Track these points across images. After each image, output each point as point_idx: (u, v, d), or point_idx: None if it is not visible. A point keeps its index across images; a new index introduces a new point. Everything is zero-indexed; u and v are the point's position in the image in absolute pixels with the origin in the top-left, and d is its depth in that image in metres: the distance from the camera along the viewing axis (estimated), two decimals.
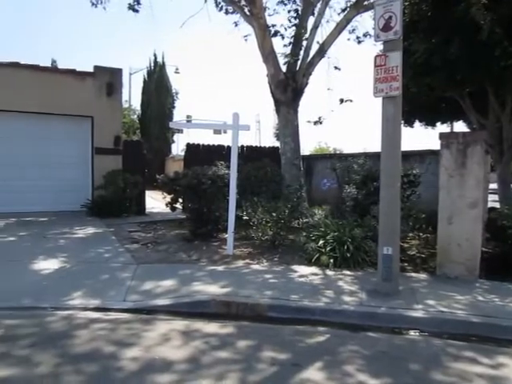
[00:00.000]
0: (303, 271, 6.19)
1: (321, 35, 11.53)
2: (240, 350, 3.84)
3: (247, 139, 72.69)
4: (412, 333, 4.42)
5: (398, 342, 4.19)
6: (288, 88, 10.65)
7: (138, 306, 4.87)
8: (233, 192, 7.35)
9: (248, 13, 10.65)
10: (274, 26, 11.34)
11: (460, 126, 13.83)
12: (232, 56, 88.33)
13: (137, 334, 4.09)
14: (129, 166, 11.71)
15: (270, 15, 11.83)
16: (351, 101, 11.15)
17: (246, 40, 12.07)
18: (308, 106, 13.62)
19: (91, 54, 67.21)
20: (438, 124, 12.77)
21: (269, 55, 10.62)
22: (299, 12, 11.63)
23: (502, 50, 7.11)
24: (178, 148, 34.39)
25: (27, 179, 11.03)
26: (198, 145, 14.42)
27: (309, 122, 11.67)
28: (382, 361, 3.74)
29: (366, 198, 7.80)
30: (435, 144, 7.25)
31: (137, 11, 11.19)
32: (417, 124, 12.37)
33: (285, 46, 11.51)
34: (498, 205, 9.49)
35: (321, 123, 11.71)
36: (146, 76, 28.90)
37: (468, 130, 11.85)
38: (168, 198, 8.72)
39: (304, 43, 11.00)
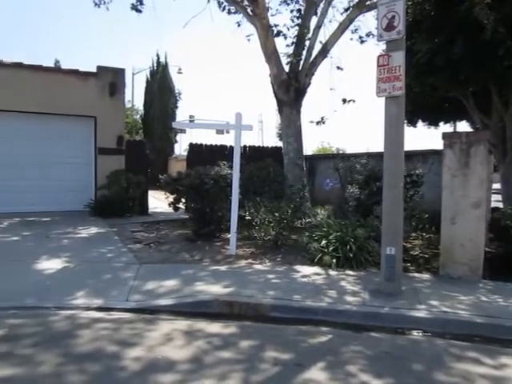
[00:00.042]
0: (306, 271, 6.19)
1: (323, 35, 11.54)
2: (243, 350, 3.84)
3: (250, 139, 72.80)
4: (415, 333, 4.41)
5: (401, 343, 4.18)
6: (291, 88, 10.64)
7: (140, 305, 4.88)
8: (235, 192, 7.35)
9: (251, 13, 10.65)
10: (276, 25, 11.37)
11: (463, 126, 13.78)
12: (235, 56, 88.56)
13: (139, 334, 4.10)
14: (132, 166, 11.72)
15: (272, 15, 11.85)
16: (354, 101, 11.15)
17: (248, 40, 12.08)
18: (311, 106, 13.57)
19: (93, 54, 67.47)
20: (441, 124, 12.73)
21: (271, 55, 10.61)
22: (302, 12, 11.64)
23: (506, 50, 7.09)
24: (180, 148, 34.52)
25: (30, 179, 11.05)
26: (201, 145, 14.45)
27: (311, 122, 11.68)
28: (384, 361, 3.74)
29: (368, 198, 7.79)
30: (438, 144, 7.24)
31: (140, 11, 11.23)
32: (420, 124, 12.33)
33: (287, 45, 11.54)
34: (501, 205, 9.46)
35: (323, 123, 11.71)
36: (148, 76, 28.98)
37: (471, 130, 11.82)
38: (171, 198, 8.73)
39: (307, 43, 11.00)
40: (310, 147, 40.46)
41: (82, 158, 11.64)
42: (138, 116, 31.36)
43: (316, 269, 6.31)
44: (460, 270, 5.96)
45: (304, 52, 10.96)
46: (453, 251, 6.03)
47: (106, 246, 7.63)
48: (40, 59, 51.89)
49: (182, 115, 36.74)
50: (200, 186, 8.08)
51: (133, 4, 11.17)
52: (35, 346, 3.76)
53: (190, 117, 35.31)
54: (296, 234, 8.09)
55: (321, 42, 11.13)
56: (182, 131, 32.64)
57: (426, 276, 6.14)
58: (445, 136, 6.23)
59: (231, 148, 9.34)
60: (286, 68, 10.83)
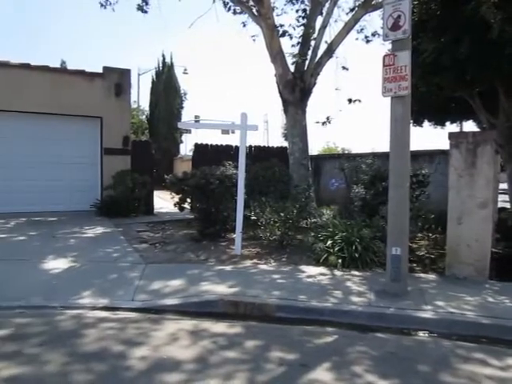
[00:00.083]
0: (311, 271, 6.18)
1: (329, 35, 11.56)
2: (248, 350, 3.84)
3: (255, 139, 72.81)
4: (421, 334, 4.40)
5: (407, 343, 4.17)
6: (296, 88, 10.64)
7: (146, 305, 4.89)
8: (241, 192, 7.35)
9: (256, 13, 10.66)
10: (282, 25, 11.38)
11: (470, 126, 13.72)
12: (240, 56, 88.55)
13: (145, 334, 4.11)
14: (137, 166, 11.77)
15: (278, 15, 11.87)
16: (359, 101, 11.10)
17: (254, 40, 12.10)
18: (316, 106, 13.56)
19: (99, 54, 67.62)
20: (448, 123, 12.64)
21: (277, 55, 10.62)
22: (307, 12, 11.63)
23: None
24: (186, 148, 34.56)
25: (36, 179, 11.11)
26: (206, 145, 14.46)
27: (317, 122, 11.64)
28: (390, 362, 3.73)
29: (374, 198, 7.77)
30: (445, 144, 7.20)
31: (145, 12, 11.30)
32: (426, 124, 12.26)
33: (293, 45, 11.54)
34: (508, 205, 9.41)
35: (329, 123, 11.68)
36: (154, 76, 29.06)
37: (478, 130, 11.75)
38: (176, 198, 8.75)
39: (312, 43, 10.99)
40: (315, 147, 40.49)
41: (88, 159, 11.70)
42: (144, 116, 31.45)
43: (321, 269, 6.31)
44: (466, 270, 5.93)
45: (309, 52, 10.96)
46: (459, 251, 6.00)
47: (111, 245, 7.66)
48: (47, 60, 52.23)
49: (187, 115, 36.78)
50: (205, 186, 8.09)
51: (138, 4, 11.24)
52: (42, 345, 3.79)
53: (196, 117, 35.33)
54: (301, 234, 8.08)
55: (326, 42, 11.13)
56: (188, 131, 32.69)
57: (431, 276, 6.12)
58: (451, 136, 6.20)
59: (237, 148, 9.34)
60: (292, 68, 10.83)
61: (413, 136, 5.30)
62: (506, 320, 4.47)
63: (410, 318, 4.63)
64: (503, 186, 10.65)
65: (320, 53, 10.96)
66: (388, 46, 6.78)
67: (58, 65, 23.82)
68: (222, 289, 5.31)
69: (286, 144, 13.99)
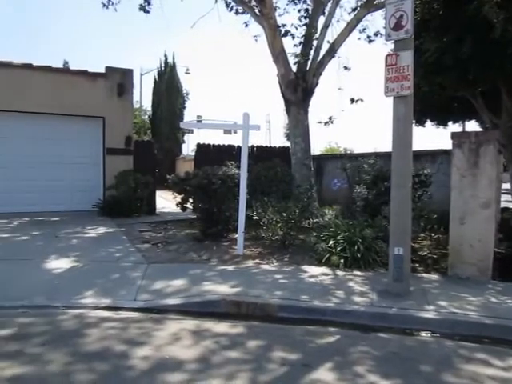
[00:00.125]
0: (313, 271, 6.18)
1: (331, 35, 11.53)
2: (250, 350, 3.84)
3: (257, 139, 72.68)
4: (423, 334, 4.39)
5: (409, 343, 4.16)
6: (298, 88, 10.63)
7: (148, 305, 4.90)
8: (243, 192, 7.35)
9: (258, 13, 10.66)
10: (284, 25, 11.36)
11: (472, 126, 13.75)
12: (242, 56, 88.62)
13: (147, 333, 4.11)
14: (140, 166, 11.78)
15: (280, 15, 11.87)
16: (362, 100, 11.09)
17: (256, 40, 12.11)
18: (318, 106, 13.58)
19: (101, 54, 67.84)
20: (450, 123, 12.63)
21: (279, 55, 10.61)
22: (309, 11, 11.63)
23: None
24: (188, 148, 34.62)
25: (36, 179, 11.13)
26: (209, 145, 14.46)
27: (320, 122, 11.63)
28: (392, 362, 3.72)
29: (376, 198, 7.75)
30: (447, 143, 7.19)
31: (148, 12, 11.31)
32: (428, 123, 12.26)
33: (295, 45, 11.53)
34: (511, 205, 9.38)
35: (331, 123, 11.67)
36: (156, 77, 29.08)
37: (480, 130, 11.72)
38: (178, 198, 8.75)
39: (314, 43, 10.99)
40: (317, 147, 40.47)
41: (90, 159, 11.73)
42: (146, 116, 31.47)
43: (324, 269, 6.30)
44: (469, 270, 5.92)
45: (312, 52, 10.95)
46: (462, 252, 5.99)
47: (114, 245, 7.67)
48: (50, 60, 52.33)
49: (189, 115, 36.89)
50: (208, 186, 8.09)
51: (141, 5, 11.26)
52: (44, 344, 3.79)
53: (198, 117, 35.37)
54: (304, 234, 8.08)
55: (328, 42, 11.12)
56: (190, 131, 32.71)
57: (434, 276, 6.10)
58: (454, 136, 6.19)
59: (239, 148, 9.35)
60: (294, 68, 10.82)
61: (415, 136, 5.30)
62: (508, 320, 4.46)
63: (412, 318, 4.62)
64: (506, 185, 10.63)
65: (322, 53, 10.96)
66: (390, 45, 6.77)
67: (60, 65, 23.81)
68: (224, 289, 5.32)
69: (288, 144, 13.98)
